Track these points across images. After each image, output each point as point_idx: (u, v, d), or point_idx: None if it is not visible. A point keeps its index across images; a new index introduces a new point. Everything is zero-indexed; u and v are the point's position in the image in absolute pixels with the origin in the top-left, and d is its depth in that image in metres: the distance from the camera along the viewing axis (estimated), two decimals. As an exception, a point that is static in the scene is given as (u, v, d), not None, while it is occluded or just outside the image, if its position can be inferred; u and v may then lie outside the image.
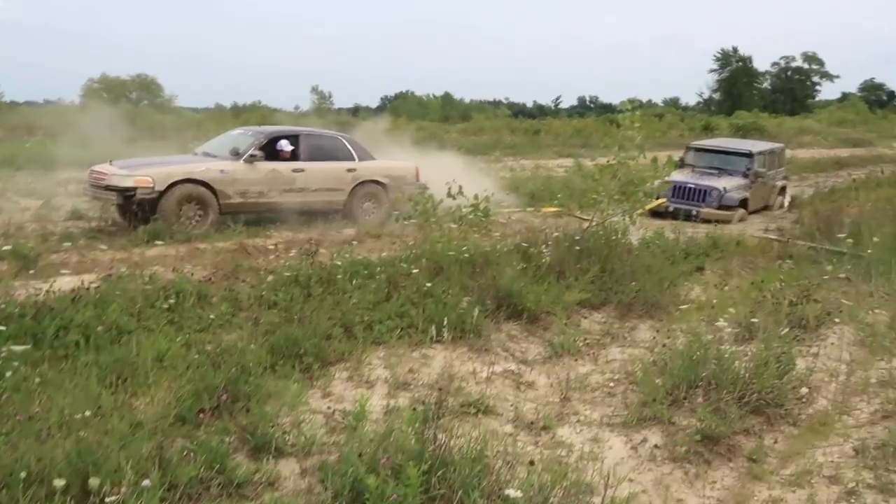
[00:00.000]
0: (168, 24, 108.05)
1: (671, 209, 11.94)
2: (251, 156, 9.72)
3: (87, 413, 3.48)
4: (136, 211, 8.92)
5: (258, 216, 10.05)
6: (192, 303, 5.53)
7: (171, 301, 5.41)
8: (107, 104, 30.17)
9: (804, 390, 4.66)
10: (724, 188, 12.50)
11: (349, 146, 10.87)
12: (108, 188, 8.97)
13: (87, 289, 5.38)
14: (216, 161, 9.72)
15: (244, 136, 10.48)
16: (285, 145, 10.16)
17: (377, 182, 10.75)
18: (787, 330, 5.38)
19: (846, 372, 5.04)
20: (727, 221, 11.75)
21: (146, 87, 46.34)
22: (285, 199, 10.00)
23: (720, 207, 12.28)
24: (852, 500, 3.53)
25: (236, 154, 9.73)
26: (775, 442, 4.17)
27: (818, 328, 5.89)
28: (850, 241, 7.91)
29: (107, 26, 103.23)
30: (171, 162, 9.85)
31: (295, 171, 10.10)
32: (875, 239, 7.63)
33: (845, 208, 9.94)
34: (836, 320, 6.01)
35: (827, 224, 9.19)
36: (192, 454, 3.26)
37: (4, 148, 17.17)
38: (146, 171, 9.12)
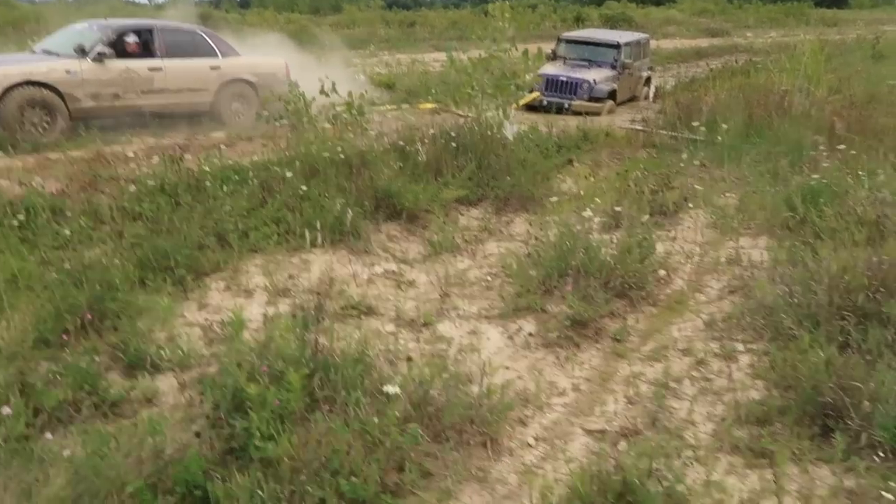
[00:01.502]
0: None
1: (545, 103, 12.11)
2: (99, 53, 8.85)
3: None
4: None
5: (115, 121, 9.28)
6: (46, 218, 5.14)
7: (21, 217, 5.00)
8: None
9: (662, 272, 5.04)
10: (594, 80, 12.74)
11: (210, 41, 10.08)
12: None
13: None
14: (60, 60, 8.78)
15: (89, 31, 9.46)
16: (132, 39, 9.28)
17: (245, 80, 10.14)
18: (648, 217, 5.74)
19: (700, 253, 5.47)
20: (597, 113, 12.09)
21: (-34, -26, 40.61)
22: (144, 101, 9.26)
23: (590, 99, 12.56)
24: (701, 369, 3.92)
25: (82, 51, 8.81)
26: (637, 322, 4.51)
27: (676, 213, 6.32)
28: (703, 129, 8.37)
29: None
30: (5, 62, 8.80)
31: (152, 69, 9.32)
32: (724, 126, 8.10)
33: (703, 97, 10.42)
34: (691, 205, 6.46)
35: (687, 113, 9.63)
36: (58, 377, 3.12)
37: None
38: (-24, 73, 8.12)
